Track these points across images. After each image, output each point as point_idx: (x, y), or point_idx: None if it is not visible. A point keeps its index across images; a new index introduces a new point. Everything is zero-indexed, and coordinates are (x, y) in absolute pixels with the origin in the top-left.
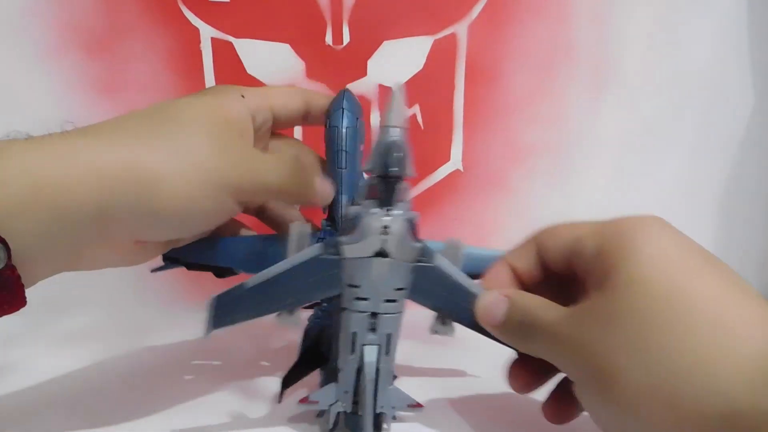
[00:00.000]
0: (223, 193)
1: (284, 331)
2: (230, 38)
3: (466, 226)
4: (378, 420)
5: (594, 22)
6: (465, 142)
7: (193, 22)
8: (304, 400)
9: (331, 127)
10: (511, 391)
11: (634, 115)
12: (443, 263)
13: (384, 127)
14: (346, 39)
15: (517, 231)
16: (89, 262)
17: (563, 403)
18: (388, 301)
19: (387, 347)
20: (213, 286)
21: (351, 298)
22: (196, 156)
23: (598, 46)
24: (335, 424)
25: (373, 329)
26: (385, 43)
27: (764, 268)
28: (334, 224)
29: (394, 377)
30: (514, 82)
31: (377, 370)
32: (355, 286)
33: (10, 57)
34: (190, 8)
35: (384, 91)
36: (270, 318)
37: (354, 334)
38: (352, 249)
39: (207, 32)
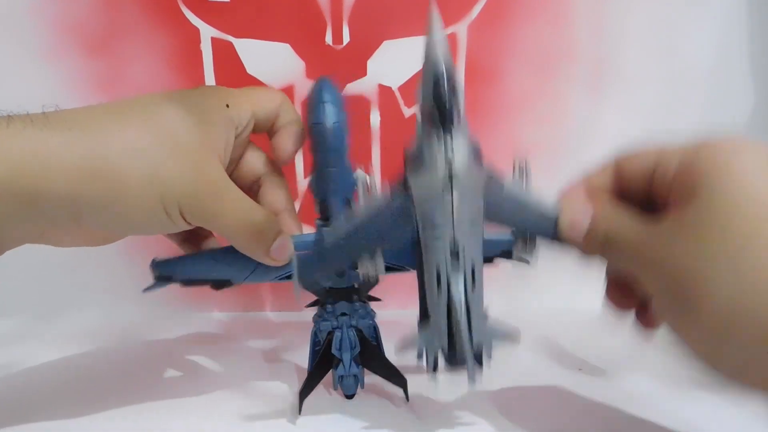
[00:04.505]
0: (178, 218)
1: (286, 330)
2: (230, 38)
3: None
4: (477, 354)
5: (593, 22)
6: None
7: (193, 22)
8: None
9: (315, 125)
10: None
11: (633, 115)
12: (513, 184)
13: (427, 48)
14: (346, 39)
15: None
16: (54, 240)
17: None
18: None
19: (473, 279)
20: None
21: (428, 233)
22: (171, 176)
23: (598, 46)
24: (435, 365)
25: (455, 261)
26: (385, 43)
27: None
28: (329, 224)
29: (486, 316)
30: (514, 82)
31: (467, 303)
32: (431, 220)
33: (10, 57)
34: (190, 8)
35: (384, 91)
36: (273, 316)
37: (437, 270)
38: (420, 183)
39: (207, 32)
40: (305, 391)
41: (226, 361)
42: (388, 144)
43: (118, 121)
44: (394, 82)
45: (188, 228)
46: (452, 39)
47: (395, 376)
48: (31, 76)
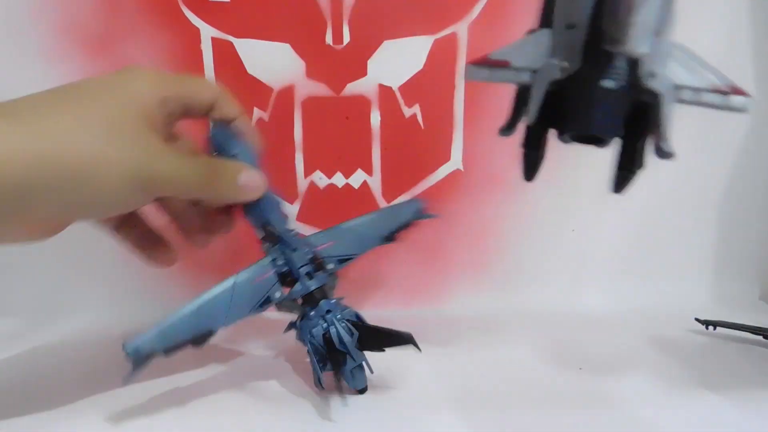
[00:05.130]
0: (137, 188)
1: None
2: (230, 38)
3: (467, 225)
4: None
5: None
6: (465, 141)
7: (193, 22)
8: (481, 60)
9: (235, 155)
10: None
11: None
12: None
13: None
14: (346, 39)
15: (517, 230)
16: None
17: None
18: None
19: None
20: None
21: None
22: (114, 149)
23: None
24: (536, 139)
25: None
26: (385, 42)
27: (764, 268)
28: (278, 239)
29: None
30: None
31: None
32: None
33: (10, 57)
34: (190, 8)
35: (384, 91)
36: (270, 316)
37: None
38: None
39: (207, 32)
40: (337, 379)
41: (225, 360)
42: (388, 144)
43: (59, 110)
44: (394, 82)
45: (143, 204)
46: (453, 38)
47: (399, 339)
48: (31, 76)
